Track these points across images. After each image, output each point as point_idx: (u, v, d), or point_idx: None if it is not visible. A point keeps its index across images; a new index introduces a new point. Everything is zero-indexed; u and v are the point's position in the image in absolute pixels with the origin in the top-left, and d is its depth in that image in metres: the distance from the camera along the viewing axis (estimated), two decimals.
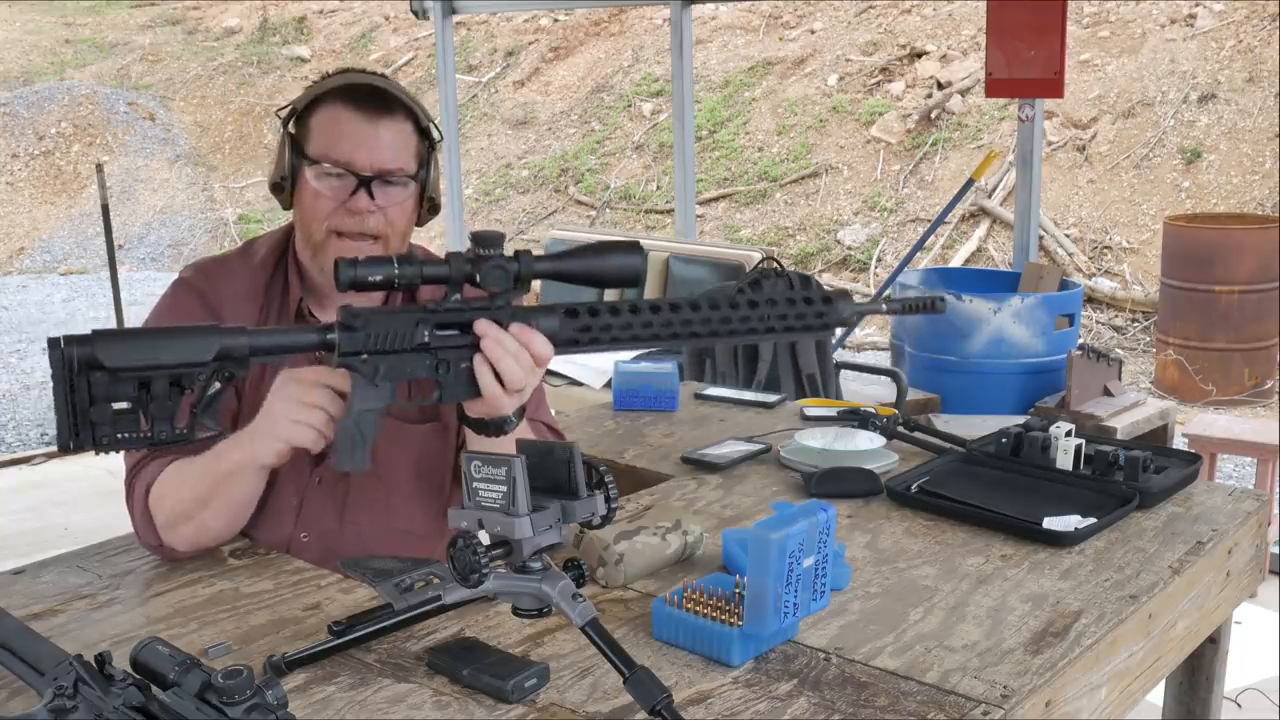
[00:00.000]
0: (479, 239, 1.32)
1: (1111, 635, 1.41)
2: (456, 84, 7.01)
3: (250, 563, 1.60)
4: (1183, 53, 8.85)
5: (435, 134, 1.69)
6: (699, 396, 2.47)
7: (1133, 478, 1.81)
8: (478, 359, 1.33)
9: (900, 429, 2.09)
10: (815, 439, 2.00)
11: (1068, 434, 1.88)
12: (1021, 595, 1.48)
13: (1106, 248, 8.03)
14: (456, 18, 7.19)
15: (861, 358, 6.71)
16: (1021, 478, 1.87)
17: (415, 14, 6.62)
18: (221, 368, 1.26)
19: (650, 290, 4.94)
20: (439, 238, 8.18)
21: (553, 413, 1.89)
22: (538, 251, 1.36)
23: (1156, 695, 1.87)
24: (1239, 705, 2.92)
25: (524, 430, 1.48)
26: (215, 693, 0.95)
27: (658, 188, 10.00)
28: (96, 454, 1.22)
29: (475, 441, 1.45)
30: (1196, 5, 9.12)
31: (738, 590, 1.34)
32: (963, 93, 9.40)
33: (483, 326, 1.33)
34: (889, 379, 4.20)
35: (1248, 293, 5.82)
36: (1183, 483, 1.86)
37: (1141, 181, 8.31)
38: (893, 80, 9.86)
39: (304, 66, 13.25)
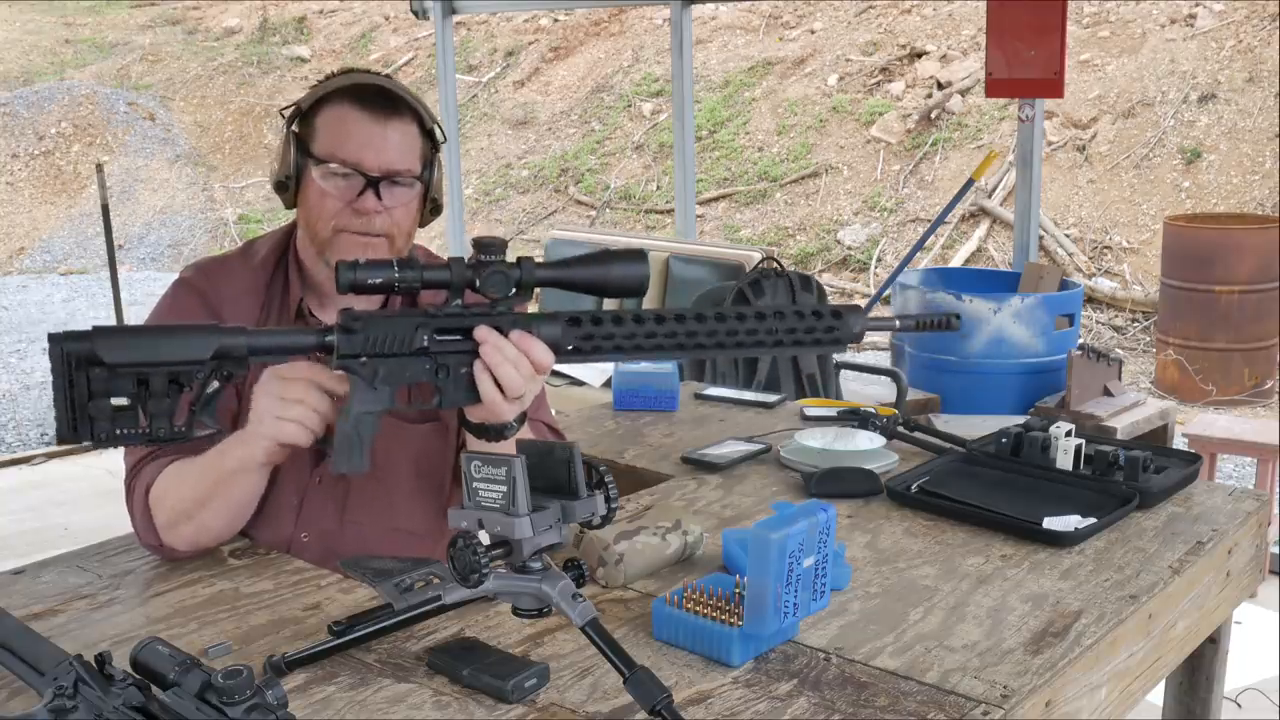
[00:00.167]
0: (481, 244, 1.31)
1: (1111, 635, 1.41)
2: (456, 84, 7.01)
3: (250, 563, 1.60)
4: (1183, 53, 8.85)
5: (439, 135, 1.69)
6: (699, 396, 2.47)
7: (1133, 478, 1.81)
8: (477, 365, 1.32)
9: (900, 429, 2.09)
10: (815, 439, 2.00)
11: (1068, 434, 1.88)
12: (1021, 595, 1.48)
13: (1106, 248, 8.03)
14: (456, 18, 7.19)
15: (861, 358, 6.70)
16: (1021, 478, 1.87)
17: (415, 14, 6.62)
18: (220, 367, 1.26)
19: (650, 290, 4.92)
20: (439, 238, 8.18)
21: (553, 413, 1.88)
22: (538, 252, 1.36)
23: (1156, 695, 1.87)
24: (1239, 705, 2.92)
25: (524, 430, 1.48)
26: (215, 693, 0.95)
27: (658, 188, 10.00)
28: (95, 448, 1.24)
29: (476, 442, 1.45)
30: (1196, 5, 9.12)
31: (738, 590, 1.34)
32: (963, 93, 9.40)
33: (483, 333, 1.32)
34: (889, 379, 4.20)
35: (1248, 293, 5.82)
36: (1183, 483, 1.86)
37: (1141, 181, 8.31)
38: (893, 80, 9.86)
39: (304, 66, 13.25)
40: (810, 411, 2.29)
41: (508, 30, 12.61)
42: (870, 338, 7.39)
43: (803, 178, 9.50)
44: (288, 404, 1.39)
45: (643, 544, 1.53)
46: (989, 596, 1.48)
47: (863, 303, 7.58)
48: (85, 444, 1.22)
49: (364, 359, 1.31)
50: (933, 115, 9.38)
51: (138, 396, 1.22)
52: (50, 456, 5.51)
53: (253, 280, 1.70)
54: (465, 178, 10.29)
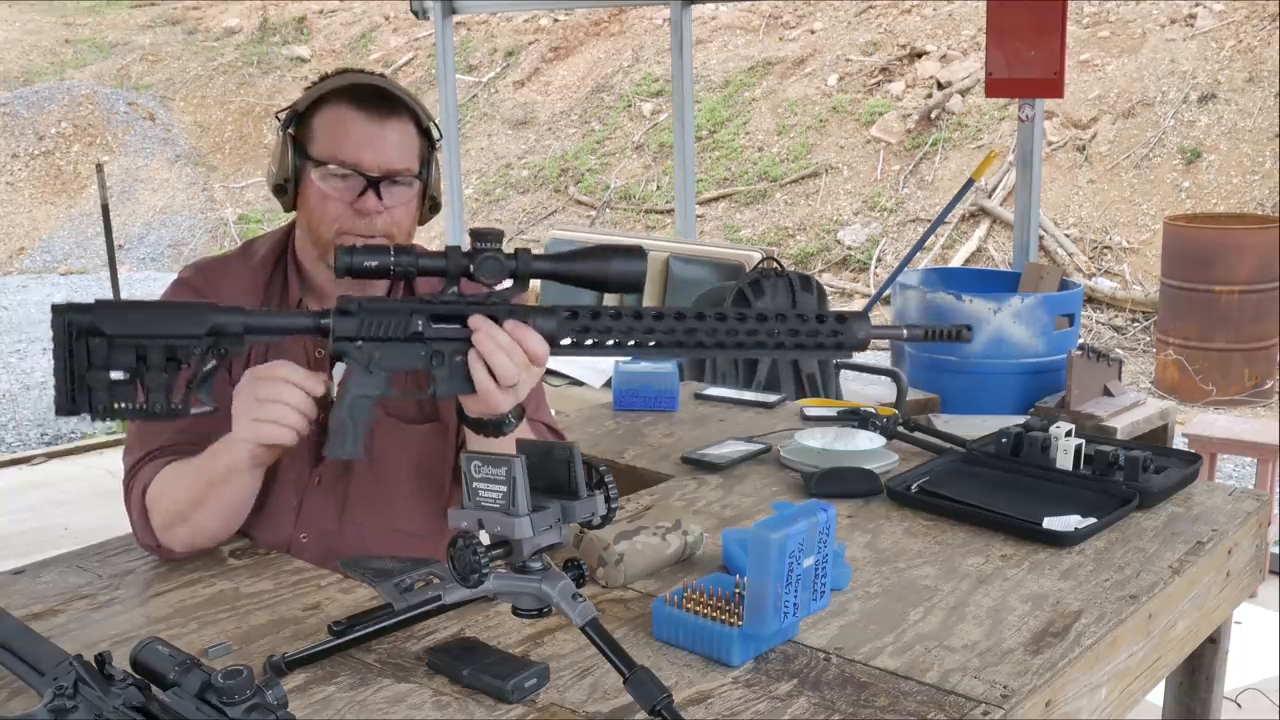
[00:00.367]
0: (477, 234, 1.32)
1: (1111, 635, 1.41)
2: (456, 84, 7.01)
3: (250, 563, 1.60)
4: (1183, 53, 8.85)
5: (435, 133, 1.69)
6: (699, 396, 2.47)
7: (1133, 478, 1.81)
8: (472, 354, 1.33)
9: (900, 429, 2.09)
10: (815, 439, 2.00)
11: (1068, 434, 1.88)
12: (1021, 595, 1.48)
13: (1106, 248, 8.03)
14: (456, 18, 7.19)
15: (861, 358, 6.69)
16: (1021, 478, 1.87)
17: (415, 14, 6.62)
18: (216, 343, 1.29)
19: (650, 290, 4.94)
20: (439, 238, 8.18)
21: (553, 413, 1.88)
22: (538, 252, 1.36)
23: (1156, 695, 1.87)
24: (1239, 705, 2.92)
25: (524, 430, 1.48)
26: (215, 693, 0.95)
27: (658, 188, 10.00)
28: (93, 420, 1.28)
29: (475, 441, 1.45)
30: (1196, 5, 9.12)
31: (738, 590, 1.34)
32: (963, 93, 9.40)
33: (476, 320, 1.33)
34: (889, 379, 4.20)
35: (1248, 293, 5.82)
36: (1183, 483, 1.86)
37: (1141, 181, 8.31)
38: (893, 80, 9.86)
39: (304, 66, 13.25)
40: (810, 411, 2.29)
41: (508, 30, 12.61)
42: None
43: (803, 178, 9.50)
44: (263, 404, 1.40)
45: (643, 544, 1.53)
46: (989, 596, 1.48)
47: (863, 303, 7.58)
48: (83, 414, 1.26)
49: (359, 343, 1.32)
50: (933, 115, 9.38)
51: (136, 371, 1.26)
52: (50, 456, 5.52)
53: (252, 280, 1.70)
54: (465, 178, 10.29)
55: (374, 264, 1.30)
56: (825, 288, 4.62)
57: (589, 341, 1.34)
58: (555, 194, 10.55)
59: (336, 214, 1.60)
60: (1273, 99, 8.21)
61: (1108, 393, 4.36)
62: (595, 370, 4.45)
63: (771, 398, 2.45)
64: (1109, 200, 8.30)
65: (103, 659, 1.02)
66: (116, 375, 1.25)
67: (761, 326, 1.32)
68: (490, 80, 12.16)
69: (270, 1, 14.49)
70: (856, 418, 2.11)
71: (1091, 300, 7.41)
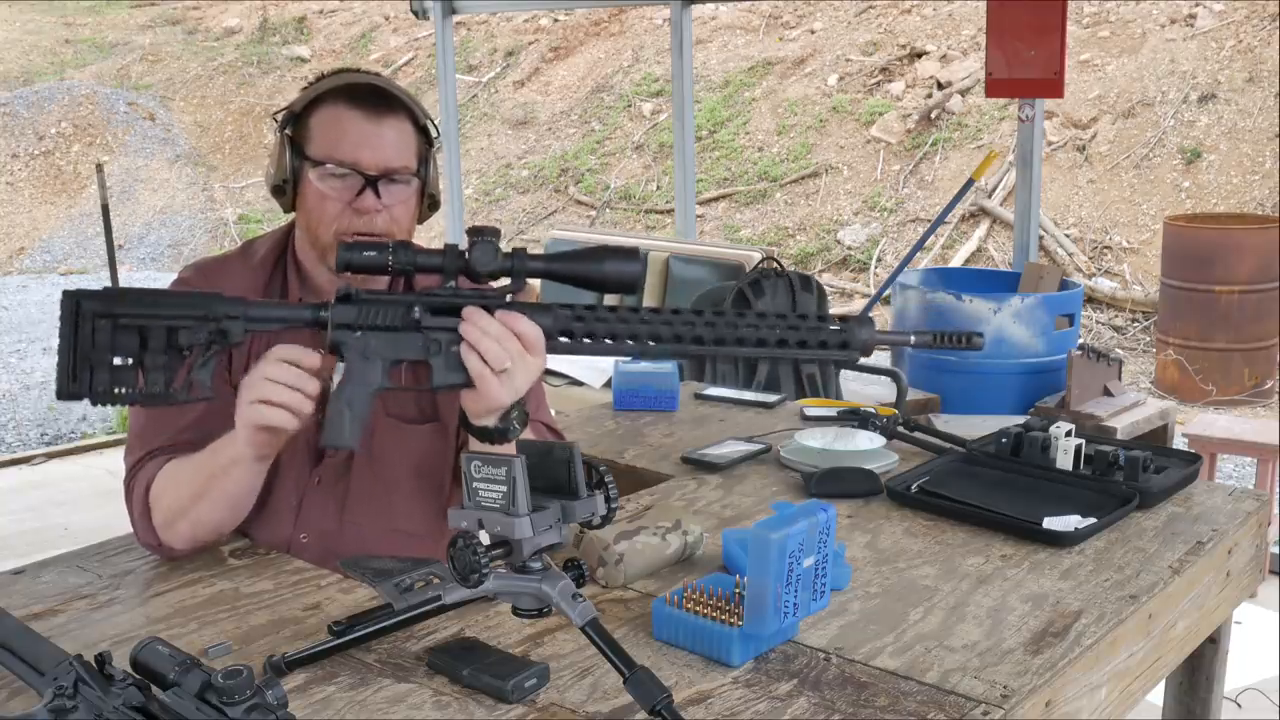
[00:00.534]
0: (474, 230, 1.33)
1: (1111, 635, 1.41)
2: (456, 84, 7.01)
3: (250, 563, 1.60)
4: (1183, 53, 8.85)
5: (432, 131, 1.69)
6: (699, 396, 2.47)
7: (1133, 478, 1.81)
8: (464, 342, 1.34)
9: (900, 429, 2.09)
10: (815, 439, 2.00)
11: (1068, 434, 1.88)
12: (1021, 595, 1.48)
13: (1106, 248, 8.03)
14: (456, 18, 7.18)
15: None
16: (1021, 478, 1.87)
17: (415, 14, 6.62)
18: (217, 328, 1.31)
19: (650, 290, 4.94)
20: (439, 238, 8.18)
21: (553, 413, 1.89)
22: (537, 252, 1.37)
23: (1156, 695, 1.87)
24: (1239, 705, 2.92)
25: (524, 430, 1.48)
26: (215, 693, 0.95)
27: (658, 188, 10.00)
28: (93, 404, 1.30)
29: (477, 443, 1.45)
30: (1196, 5, 9.12)
31: (738, 590, 1.34)
32: (963, 93, 9.40)
33: (468, 310, 1.34)
34: (889, 379, 4.20)
35: (1248, 293, 5.82)
36: (1183, 483, 1.86)
37: (1141, 181, 8.31)
38: (893, 80, 9.86)
39: (304, 66, 13.25)
40: (810, 411, 2.29)
41: (508, 30, 12.61)
42: None
43: (803, 178, 9.50)
44: (262, 384, 1.40)
45: (643, 544, 1.53)
46: (989, 596, 1.48)
47: (863, 303, 7.58)
48: (83, 397, 1.28)
49: (358, 332, 1.34)
50: (933, 115, 9.38)
51: (138, 357, 1.29)
52: (50, 456, 5.52)
53: (251, 280, 1.70)
54: (465, 178, 10.29)
55: (373, 257, 1.31)
56: (825, 288, 4.62)
57: (584, 332, 1.33)
58: (555, 194, 10.55)
59: (335, 213, 1.60)
60: (1273, 99, 8.21)
61: (1108, 393, 4.36)
62: (595, 370, 4.45)
63: (771, 398, 2.45)
64: (1109, 200, 8.30)
65: (103, 659, 1.02)
66: (118, 361, 1.28)
67: (762, 322, 1.32)
68: (490, 80, 12.16)
69: (270, 1, 14.49)
70: (856, 418, 2.11)
71: (1091, 300, 7.41)
